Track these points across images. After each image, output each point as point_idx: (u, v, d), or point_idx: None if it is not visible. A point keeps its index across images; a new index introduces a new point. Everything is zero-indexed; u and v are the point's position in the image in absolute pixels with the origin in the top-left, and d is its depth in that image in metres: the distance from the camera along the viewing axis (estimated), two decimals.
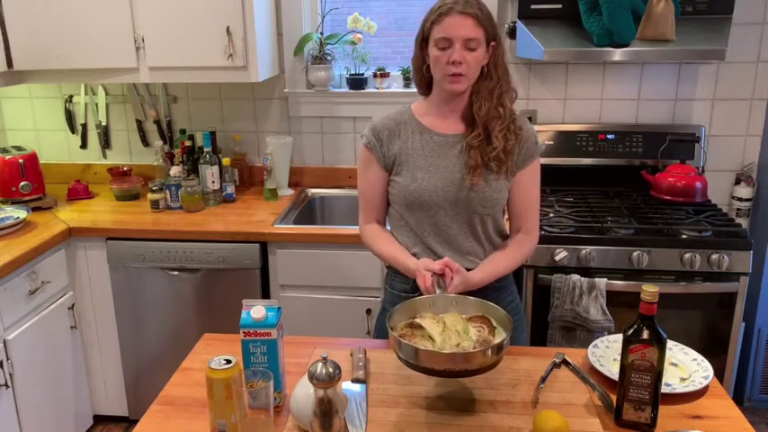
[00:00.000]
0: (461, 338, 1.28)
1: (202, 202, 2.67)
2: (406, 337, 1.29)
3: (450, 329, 1.30)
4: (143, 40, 2.51)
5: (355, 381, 1.40)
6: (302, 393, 1.23)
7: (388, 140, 1.63)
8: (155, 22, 2.49)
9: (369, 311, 2.42)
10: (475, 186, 1.57)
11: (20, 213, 2.45)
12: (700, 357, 1.47)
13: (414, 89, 2.68)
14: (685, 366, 1.46)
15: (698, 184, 2.53)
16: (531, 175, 1.65)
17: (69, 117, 3.05)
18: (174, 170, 2.70)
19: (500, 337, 1.29)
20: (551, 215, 2.41)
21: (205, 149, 2.71)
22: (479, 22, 1.50)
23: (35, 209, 2.61)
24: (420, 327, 1.31)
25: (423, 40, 1.56)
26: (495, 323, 1.34)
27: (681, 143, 2.65)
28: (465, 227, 1.63)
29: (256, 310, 1.27)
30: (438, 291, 1.44)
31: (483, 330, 1.32)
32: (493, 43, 1.55)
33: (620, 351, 1.26)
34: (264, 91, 2.92)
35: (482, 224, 1.63)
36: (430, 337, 1.28)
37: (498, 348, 1.21)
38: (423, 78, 1.63)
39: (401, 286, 1.68)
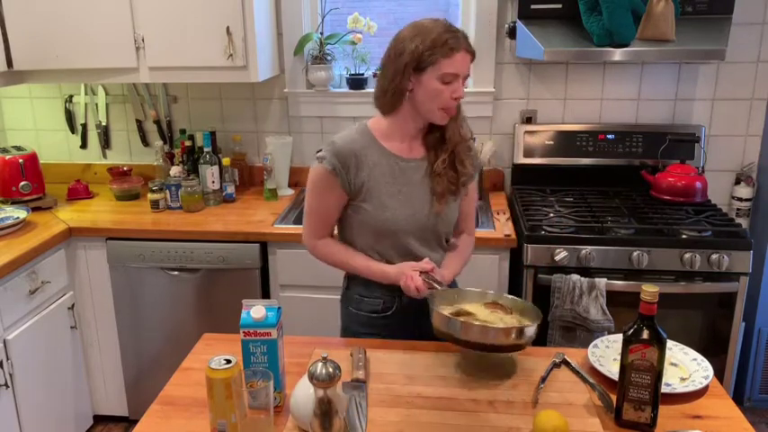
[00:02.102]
0: (502, 321, 1.45)
1: (202, 202, 2.67)
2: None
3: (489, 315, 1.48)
4: (143, 40, 2.51)
5: (355, 381, 1.40)
6: (302, 393, 1.23)
7: (355, 168, 1.57)
8: (155, 22, 2.49)
9: None
10: (441, 213, 1.63)
11: (20, 213, 2.45)
12: (700, 357, 1.47)
13: None
14: (685, 366, 1.46)
15: (698, 184, 2.53)
16: (474, 184, 1.74)
17: (69, 117, 3.05)
18: (174, 170, 2.70)
19: (528, 319, 1.46)
20: (551, 215, 2.41)
21: (205, 149, 2.71)
22: (473, 60, 1.55)
23: (35, 209, 2.61)
24: (468, 313, 1.48)
25: (416, 68, 1.50)
26: (508, 306, 1.51)
27: (681, 143, 2.65)
28: (430, 244, 1.67)
29: (256, 310, 1.27)
30: (436, 286, 1.51)
31: (499, 313, 1.47)
32: None
33: (620, 351, 1.26)
34: (264, 91, 2.92)
35: (443, 239, 1.71)
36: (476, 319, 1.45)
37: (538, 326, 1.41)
38: (397, 102, 1.56)
39: (370, 308, 1.69)
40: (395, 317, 1.68)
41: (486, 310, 1.49)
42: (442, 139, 1.61)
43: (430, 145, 1.63)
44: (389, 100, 1.57)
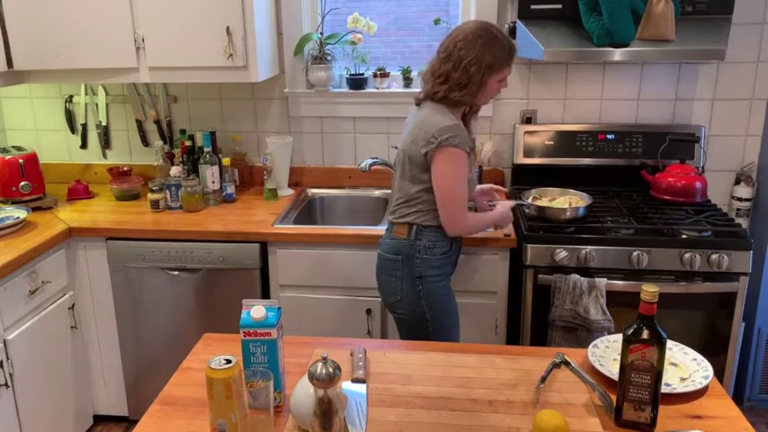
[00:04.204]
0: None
1: (202, 202, 2.67)
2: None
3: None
4: (143, 40, 2.51)
5: (355, 381, 1.40)
6: (302, 393, 1.23)
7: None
8: (155, 22, 2.49)
9: (369, 311, 2.42)
10: None
11: (20, 213, 2.45)
12: (699, 357, 1.47)
13: (412, 89, 2.72)
14: (685, 366, 1.46)
15: (698, 184, 2.53)
16: None
17: (69, 117, 3.05)
18: (174, 170, 2.70)
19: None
20: None
21: (205, 149, 2.71)
22: None
23: (35, 209, 2.61)
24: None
25: (488, 74, 1.90)
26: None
27: (681, 143, 2.65)
28: None
29: (256, 310, 1.27)
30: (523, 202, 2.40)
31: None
32: None
33: (620, 351, 1.26)
34: (264, 91, 2.92)
35: None
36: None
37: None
38: (472, 99, 1.95)
39: (442, 249, 1.99)
40: (453, 254, 2.06)
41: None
42: (475, 113, 2.09)
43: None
44: (466, 98, 1.92)
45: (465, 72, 1.89)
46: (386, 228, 2.11)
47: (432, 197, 1.95)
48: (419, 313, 1.99)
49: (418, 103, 2.04)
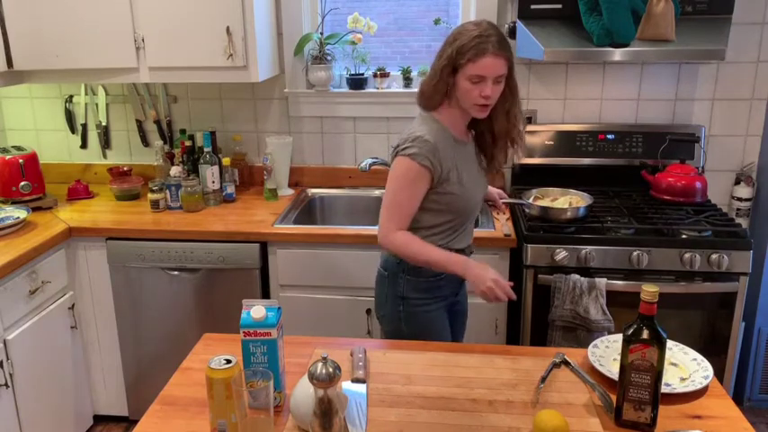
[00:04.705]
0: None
1: (202, 202, 2.67)
2: None
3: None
4: (143, 40, 2.51)
5: (355, 381, 1.40)
6: (302, 393, 1.23)
7: (441, 159, 1.71)
8: (155, 22, 2.49)
9: (369, 311, 2.42)
10: (485, 190, 1.93)
11: (20, 213, 2.45)
12: (699, 357, 1.47)
13: (412, 89, 2.69)
14: (685, 366, 1.46)
15: (698, 184, 2.53)
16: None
17: (69, 117, 3.05)
18: (174, 170, 2.70)
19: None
20: None
21: (205, 149, 2.71)
22: (507, 61, 1.67)
23: (35, 209, 2.61)
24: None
25: (452, 69, 1.67)
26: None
27: (681, 143, 2.65)
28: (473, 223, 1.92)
29: (256, 310, 1.27)
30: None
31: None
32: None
33: (620, 351, 1.26)
34: (264, 91, 2.92)
35: None
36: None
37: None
38: (441, 99, 1.73)
39: (432, 272, 1.79)
40: (450, 277, 1.82)
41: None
42: (491, 130, 1.80)
43: (477, 131, 1.85)
44: (434, 100, 1.74)
45: (428, 75, 1.76)
46: None
47: (418, 213, 1.77)
48: (399, 334, 1.84)
49: None
